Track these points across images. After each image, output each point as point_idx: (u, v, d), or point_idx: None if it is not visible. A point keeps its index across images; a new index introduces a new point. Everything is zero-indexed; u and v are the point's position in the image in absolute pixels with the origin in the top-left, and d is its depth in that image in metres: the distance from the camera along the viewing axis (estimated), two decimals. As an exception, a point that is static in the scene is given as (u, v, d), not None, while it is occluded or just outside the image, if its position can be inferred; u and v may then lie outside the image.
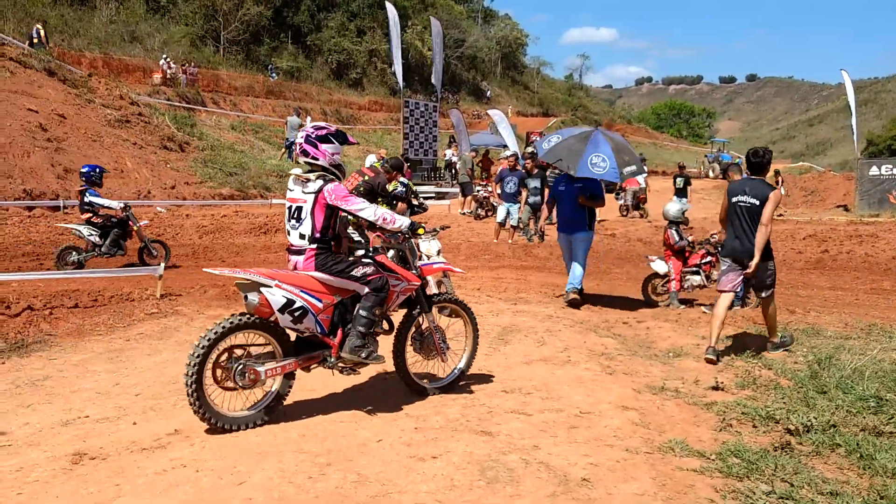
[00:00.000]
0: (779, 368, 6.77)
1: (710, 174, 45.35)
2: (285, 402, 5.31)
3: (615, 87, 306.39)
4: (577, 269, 10.11)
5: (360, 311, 5.24)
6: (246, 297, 5.02)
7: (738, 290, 7.69)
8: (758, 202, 7.17)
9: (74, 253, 11.74)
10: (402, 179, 10.74)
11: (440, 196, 27.00)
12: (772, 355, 7.31)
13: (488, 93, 70.10)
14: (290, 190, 5.37)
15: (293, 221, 5.32)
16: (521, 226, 16.79)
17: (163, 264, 10.03)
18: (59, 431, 4.98)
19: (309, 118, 33.87)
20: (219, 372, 4.94)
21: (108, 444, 4.71)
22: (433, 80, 30.85)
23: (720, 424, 5.28)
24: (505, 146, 29.46)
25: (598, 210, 10.72)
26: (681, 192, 22.77)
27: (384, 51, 50.93)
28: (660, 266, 10.64)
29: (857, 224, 19.87)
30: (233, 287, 10.24)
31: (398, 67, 28.18)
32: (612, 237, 19.05)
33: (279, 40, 51.25)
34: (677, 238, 10.53)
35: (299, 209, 5.28)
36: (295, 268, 5.36)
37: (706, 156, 50.92)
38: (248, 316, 5.01)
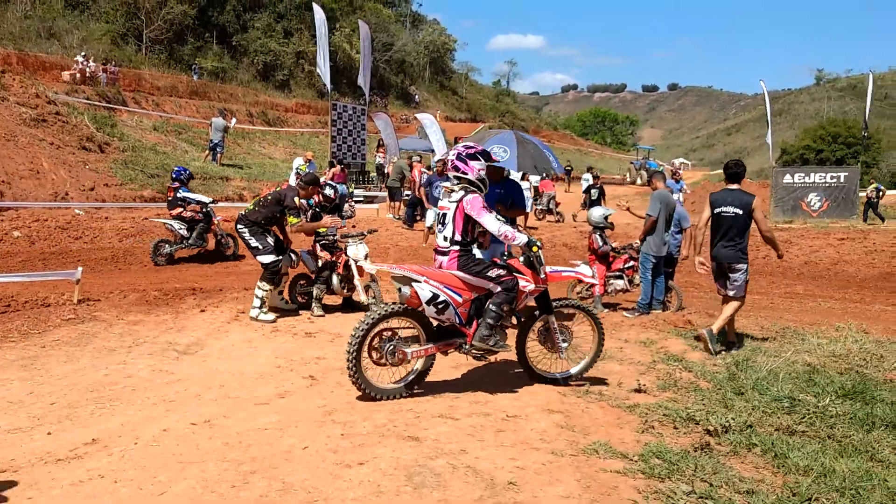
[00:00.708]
0: (698, 371, 6.96)
1: (638, 181, 46.18)
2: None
3: (542, 93, 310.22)
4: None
5: (491, 306, 5.98)
6: (399, 290, 5.92)
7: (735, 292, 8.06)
8: (741, 211, 7.84)
9: (167, 245, 13.37)
10: (329, 182, 10.69)
11: (369, 200, 26.87)
12: (693, 356, 7.51)
13: (416, 97, 70.19)
14: (440, 200, 6.24)
15: (440, 226, 6.17)
16: None
17: (80, 268, 9.71)
18: (-32, 443, 4.77)
19: (234, 119, 33.32)
20: (374, 349, 5.83)
21: (20, 456, 4.54)
22: (361, 84, 30.67)
23: (642, 426, 5.39)
24: (432, 151, 29.47)
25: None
26: (595, 204, 21.30)
27: (311, 53, 50.43)
28: (584, 271, 10.81)
29: (772, 230, 20.58)
30: (153, 292, 10.00)
31: (325, 70, 27.92)
32: (538, 242, 19.27)
33: (204, 40, 50.33)
34: (601, 243, 10.73)
35: (444, 215, 6.11)
36: (440, 266, 6.14)
37: (632, 162, 52.02)
38: (400, 305, 5.89)
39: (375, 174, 30.97)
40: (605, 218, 10.86)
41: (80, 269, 9.61)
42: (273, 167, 31.56)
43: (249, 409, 5.56)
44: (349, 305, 9.54)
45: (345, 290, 9.35)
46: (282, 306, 9.32)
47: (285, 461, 4.55)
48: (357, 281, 9.15)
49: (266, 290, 8.80)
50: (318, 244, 9.42)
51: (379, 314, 5.75)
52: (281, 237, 9.27)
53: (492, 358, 6.44)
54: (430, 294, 5.82)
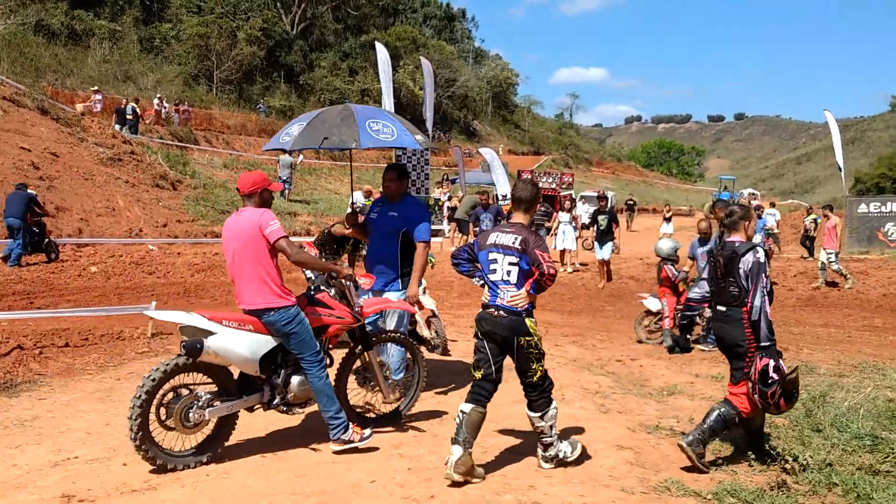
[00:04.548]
0: (773, 406, 6.74)
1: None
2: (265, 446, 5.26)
3: (605, 125, 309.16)
4: (396, 352, 6.65)
5: None
6: None
7: None
8: None
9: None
10: None
11: (433, 234, 26.99)
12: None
13: (477, 129, 70.60)
14: None
15: None
16: None
17: (154, 303, 9.97)
18: (48, 473, 4.91)
19: (301, 156, 33.98)
20: None
21: (97, 486, 4.65)
22: (425, 120, 31.02)
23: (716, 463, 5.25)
24: (492, 184, 29.54)
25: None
26: (604, 235, 16.87)
27: (376, 90, 51.33)
28: (652, 304, 10.65)
29: (848, 261, 19.97)
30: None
31: (389, 106, 28.27)
32: (603, 275, 19.05)
33: (272, 79, 51.80)
34: (675, 272, 10.55)
35: None
36: None
37: (714, 194, 50.80)
38: None
39: (438, 208, 31.08)
40: (675, 251, 10.69)
41: (153, 303, 9.88)
42: (339, 202, 32.04)
43: (318, 442, 5.59)
44: (413, 339, 9.53)
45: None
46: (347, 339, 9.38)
47: (354, 495, 4.56)
48: (418, 315, 9.16)
49: None
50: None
51: None
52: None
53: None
54: None
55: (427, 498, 4.52)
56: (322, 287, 5.82)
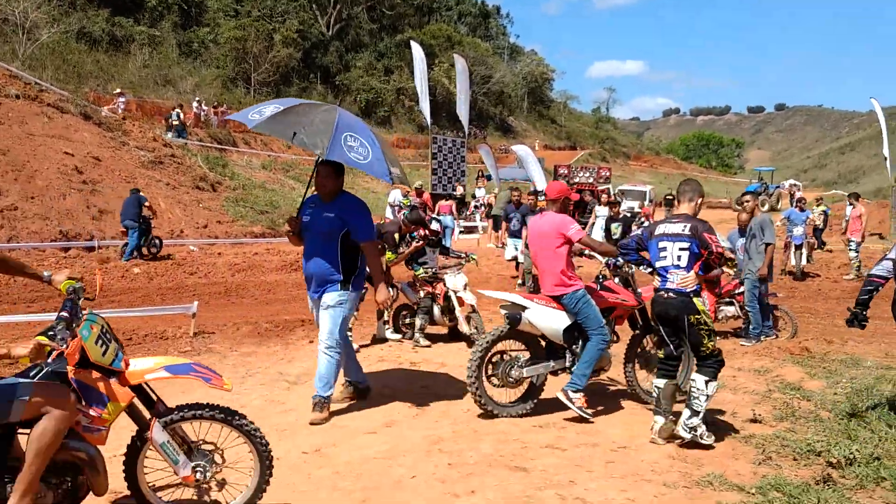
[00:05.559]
0: (818, 400, 6.64)
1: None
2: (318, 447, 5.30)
3: (642, 118, 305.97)
4: (322, 364, 6.18)
5: None
6: None
7: None
8: None
9: None
10: (434, 217, 10.75)
11: (469, 230, 26.99)
12: (811, 385, 7.18)
13: (514, 126, 70.34)
14: None
15: None
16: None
17: (196, 302, 10.09)
18: (97, 470, 4.99)
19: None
20: None
21: (143, 483, 4.72)
22: (460, 116, 31.02)
23: (759, 457, 5.18)
24: (528, 180, 29.46)
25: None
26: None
27: (411, 89, 51.45)
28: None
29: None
30: (265, 325, 10.26)
31: (425, 105, 28.40)
32: (643, 269, 18.87)
33: (308, 81, 52.14)
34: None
35: None
36: None
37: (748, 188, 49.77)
38: None
39: (480, 205, 30.99)
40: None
41: (195, 303, 9.99)
42: (375, 200, 32.14)
43: (358, 438, 5.63)
44: (455, 335, 9.53)
45: (447, 321, 9.36)
46: (388, 336, 9.43)
47: (395, 490, 4.58)
48: (458, 312, 9.16)
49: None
50: (417, 276, 9.50)
51: None
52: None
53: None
54: None
55: (468, 493, 4.53)
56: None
